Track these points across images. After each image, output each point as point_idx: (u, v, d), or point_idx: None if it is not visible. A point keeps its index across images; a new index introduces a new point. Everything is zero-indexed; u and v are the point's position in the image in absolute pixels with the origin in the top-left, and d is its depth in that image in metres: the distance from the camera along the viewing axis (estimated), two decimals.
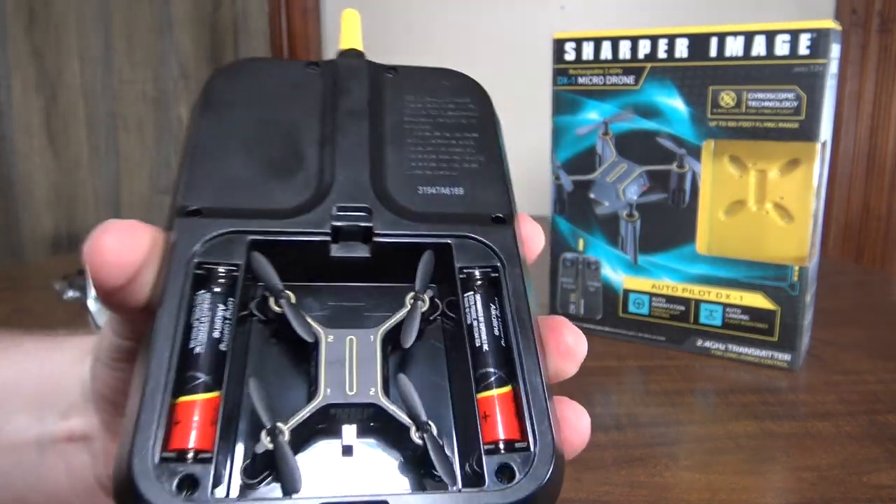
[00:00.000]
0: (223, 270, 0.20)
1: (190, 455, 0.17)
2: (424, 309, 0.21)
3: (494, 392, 0.20)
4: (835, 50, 0.56)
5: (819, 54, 0.54)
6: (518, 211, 0.24)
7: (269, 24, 1.48)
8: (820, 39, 0.54)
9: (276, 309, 0.20)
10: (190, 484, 0.16)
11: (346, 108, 0.25)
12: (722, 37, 0.57)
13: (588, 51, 0.63)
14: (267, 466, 0.18)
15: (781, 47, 0.55)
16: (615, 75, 0.62)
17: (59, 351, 0.32)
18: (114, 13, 1.35)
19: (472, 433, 0.19)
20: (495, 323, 0.21)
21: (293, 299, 0.21)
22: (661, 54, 0.60)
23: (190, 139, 0.23)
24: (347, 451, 0.20)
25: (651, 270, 0.64)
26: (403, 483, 0.19)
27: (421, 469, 0.19)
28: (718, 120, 0.59)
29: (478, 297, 0.22)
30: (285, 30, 1.50)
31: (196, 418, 0.17)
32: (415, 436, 0.19)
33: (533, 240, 0.24)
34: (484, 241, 0.22)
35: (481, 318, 0.21)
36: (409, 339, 0.20)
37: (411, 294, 0.21)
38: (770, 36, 0.56)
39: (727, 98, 0.58)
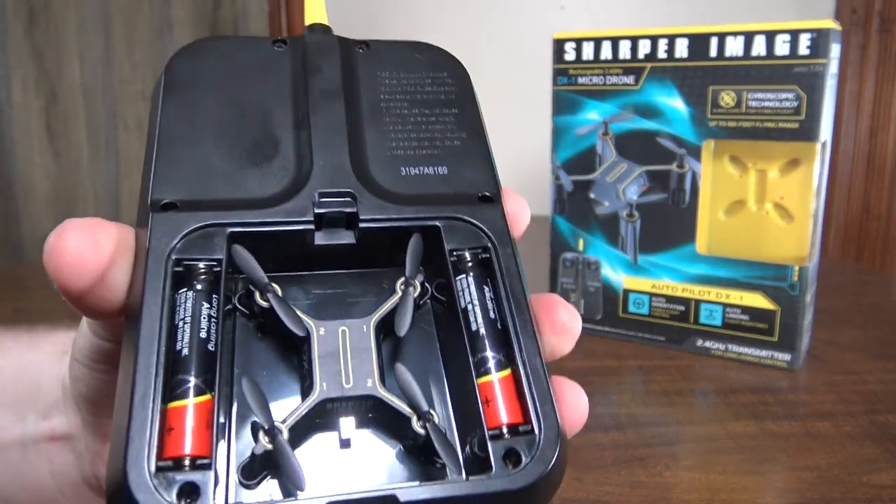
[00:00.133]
0: (204, 266, 0.19)
1: (187, 462, 0.16)
2: (415, 295, 0.21)
3: (494, 376, 0.19)
4: (835, 50, 0.56)
5: (819, 54, 0.54)
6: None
7: (269, 24, 1.48)
8: (820, 39, 0.54)
9: (263, 303, 0.20)
10: (190, 492, 0.16)
11: (320, 87, 0.24)
12: (722, 37, 0.57)
13: (588, 51, 0.63)
14: (265, 466, 0.18)
15: (781, 47, 0.55)
16: (615, 75, 0.62)
17: (37, 349, 0.32)
18: (114, 13, 1.35)
19: (474, 419, 0.19)
20: (490, 305, 0.21)
21: (280, 292, 0.20)
22: (661, 54, 0.60)
23: (156, 128, 0.22)
24: (345, 444, 0.19)
25: (651, 270, 0.64)
26: (405, 474, 0.19)
27: (421, 458, 0.19)
28: (718, 120, 0.59)
29: (470, 279, 0.21)
30: (285, 30, 1.50)
31: (190, 423, 0.17)
32: (417, 425, 0.18)
33: (519, 215, 0.23)
34: (473, 221, 0.22)
35: (476, 301, 0.21)
36: (404, 327, 0.20)
37: (402, 280, 0.21)
38: (770, 36, 0.56)
39: (727, 98, 0.58)
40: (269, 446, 0.17)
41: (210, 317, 0.19)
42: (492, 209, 0.22)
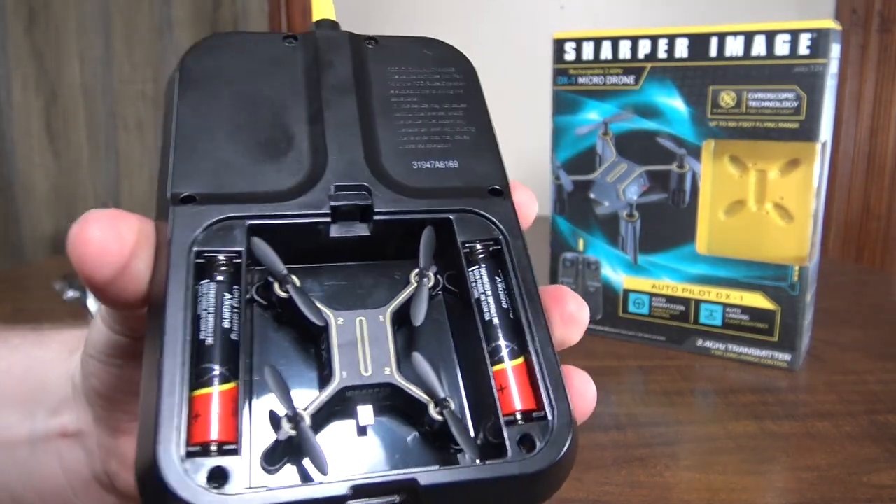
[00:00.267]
0: (224, 258, 0.20)
1: (214, 448, 0.17)
2: (430, 285, 0.21)
3: (508, 364, 0.20)
4: (835, 50, 0.56)
5: (819, 54, 0.54)
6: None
7: (269, 24, 1.48)
8: (820, 39, 0.54)
9: (282, 294, 0.20)
10: (219, 476, 0.16)
11: (332, 82, 0.24)
12: (722, 37, 0.57)
13: (588, 51, 0.63)
14: (286, 453, 0.18)
15: (781, 47, 0.55)
16: (615, 75, 0.62)
17: (46, 347, 0.32)
18: (114, 13, 1.35)
19: (488, 406, 0.19)
20: (502, 296, 0.21)
21: (298, 283, 0.20)
22: (661, 54, 0.60)
23: (172, 123, 0.22)
24: (363, 431, 0.20)
25: (651, 270, 0.64)
26: (421, 460, 0.20)
27: (437, 444, 0.20)
28: (718, 120, 0.59)
29: (483, 270, 0.22)
30: (285, 29, 1.50)
31: (216, 410, 0.17)
32: (434, 412, 0.19)
33: (527, 206, 0.24)
34: (484, 214, 0.22)
35: (488, 292, 0.21)
36: (420, 317, 0.20)
37: (416, 271, 0.21)
38: (770, 36, 0.56)
39: (727, 98, 0.58)
40: (293, 433, 0.18)
41: (232, 307, 0.19)
42: (502, 202, 0.23)
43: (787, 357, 0.59)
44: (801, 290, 0.58)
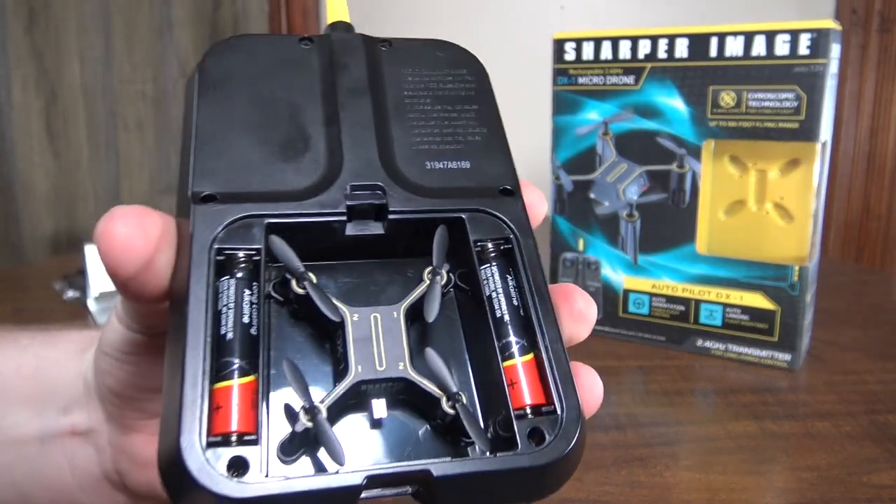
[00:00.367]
0: (244, 255, 0.20)
1: (234, 438, 0.17)
2: (443, 283, 0.22)
3: (518, 360, 0.20)
4: (835, 50, 0.56)
5: (819, 54, 0.54)
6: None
7: (269, 23, 1.48)
8: (820, 39, 0.54)
9: (299, 291, 0.21)
10: (239, 465, 0.17)
11: (347, 84, 0.25)
12: (722, 37, 0.57)
13: (588, 51, 0.63)
14: (303, 444, 0.19)
15: (781, 47, 0.55)
16: (615, 75, 0.62)
17: (55, 346, 0.32)
18: (114, 13, 1.35)
19: (498, 400, 0.20)
20: (513, 293, 0.22)
21: (315, 280, 0.21)
22: (661, 54, 0.60)
23: (192, 124, 0.23)
24: (377, 423, 0.20)
25: (651, 270, 0.64)
26: (433, 452, 0.20)
27: (448, 437, 0.20)
28: (718, 120, 0.59)
29: (494, 268, 0.22)
30: (285, 30, 1.50)
31: (236, 402, 0.18)
32: (446, 406, 0.19)
33: (536, 206, 0.24)
34: (496, 213, 0.23)
35: (500, 290, 0.22)
36: (433, 314, 0.21)
37: (429, 269, 0.22)
38: (770, 36, 0.56)
39: (727, 98, 0.58)
40: (309, 424, 0.18)
41: (251, 303, 0.20)
42: (513, 202, 0.23)
43: (787, 357, 0.59)
44: (801, 290, 0.58)
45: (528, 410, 0.19)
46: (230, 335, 0.19)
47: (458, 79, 0.27)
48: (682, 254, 0.62)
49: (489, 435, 0.20)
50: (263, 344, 0.20)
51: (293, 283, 0.21)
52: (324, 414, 0.18)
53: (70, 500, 0.31)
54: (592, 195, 0.65)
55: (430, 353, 0.20)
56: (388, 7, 1.42)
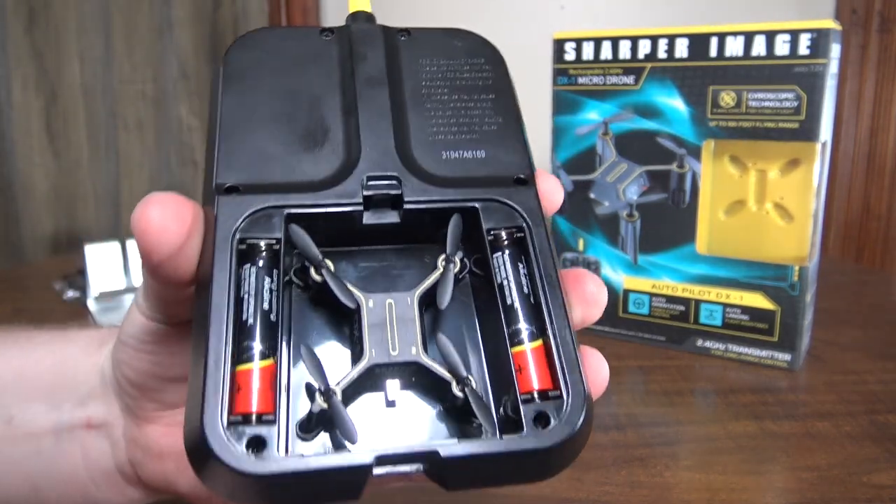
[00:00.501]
0: (264, 244, 0.21)
1: (254, 418, 0.18)
2: (456, 270, 0.23)
3: (527, 346, 0.21)
4: (835, 50, 0.56)
5: (819, 54, 0.54)
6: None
7: (268, 24, 1.48)
8: (820, 39, 0.54)
9: (317, 278, 0.22)
10: (257, 443, 0.18)
11: (366, 75, 0.26)
12: (722, 37, 0.57)
13: (588, 51, 0.63)
14: (319, 423, 0.20)
15: (781, 47, 0.55)
16: (615, 75, 0.62)
17: (72, 342, 0.32)
18: (114, 13, 1.35)
19: (508, 385, 0.21)
20: (524, 281, 0.22)
21: (332, 268, 0.22)
22: (661, 54, 0.60)
23: (217, 117, 0.24)
24: (391, 405, 0.21)
25: (651, 270, 0.64)
26: (444, 433, 0.21)
27: (459, 420, 0.21)
28: (718, 120, 0.59)
29: (506, 257, 0.23)
30: None
31: (256, 384, 0.19)
32: (456, 389, 0.20)
33: (552, 194, 0.25)
34: (509, 202, 0.23)
35: (511, 278, 0.22)
36: (445, 300, 0.22)
37: (443, 256, 0.23)
38: (770, 36, 0.56)
39: (727, 98, 0.58)
40: (325, 405, 0.19)
41: (271, 290, 0.21)
42: (526, 191, 0.24)
43: (787, 357, 0.59)
44: (801, 290, 0.58)
45: (536, 395, 0.20)
46: (251, 321, 0.20)
47: (475, 68, 0.27)
48: (682, 254, 0.62)
49: (499, 417, 0.21)
50: (283, 329, 0.21)
51: (311, 270, 0.22)
52: (338, 396, 0.19)
53: (83, 494, 0.31)
54: (592, 195, 0.65)
55: (442, 339, 0.21)
56: (388, 7, 1.42)
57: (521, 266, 0.22)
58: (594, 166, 0.65)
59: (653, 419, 0.52)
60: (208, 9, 1.43)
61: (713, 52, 0.58)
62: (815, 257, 0.60)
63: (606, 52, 0.63)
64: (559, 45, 0.65)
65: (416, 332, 0.21)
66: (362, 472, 0.18)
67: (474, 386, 0.20)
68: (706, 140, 0.60)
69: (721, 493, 0.42)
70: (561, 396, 0.20)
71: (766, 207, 0.59)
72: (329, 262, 0.22)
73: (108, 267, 0.78)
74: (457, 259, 0.23)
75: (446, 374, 0.21)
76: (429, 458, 0.18)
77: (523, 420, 0.19)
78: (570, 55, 0.64)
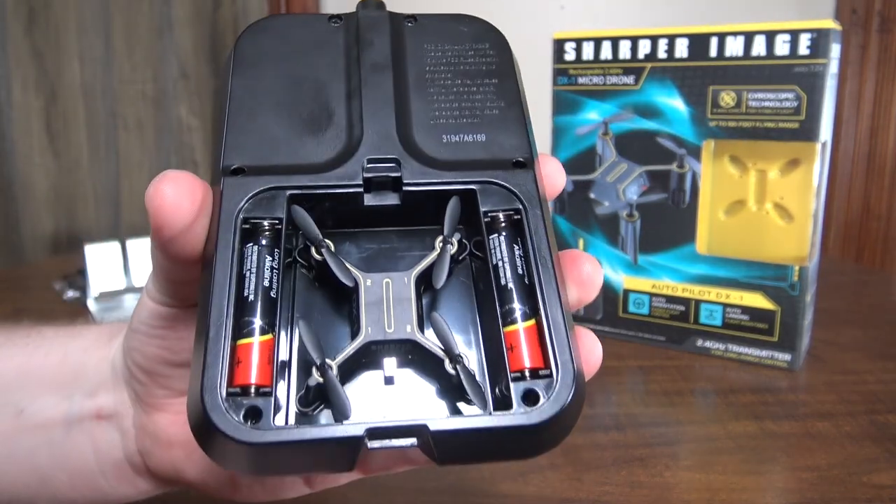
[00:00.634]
0: (267, 224, 0.22)
1: (252, 390, 0.19)
2: (453, 251, 0.23)
3: (520, 325, 0.21)
4: (835, 50, 0.56)
5: (819, 54, 0.54)
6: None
7: None
8: (820, 39, 0.54)
9: (317, 257, 0.22)
10: (254, 414, 0.19)
11: (371, 61, 0.26)
12: (722, 37, 0.57)
13: (588, 51, 0.63)
14: (318, 397, 0.20)
15: (781, 47, 0.55)
16: (615, 75, 0.62)
17: (81, 337, 0.33)
18: (114, 13, 1.35)
19: (500, 363, 0.21)
20: (518, 262, 0.23)
21: (332, 247, 0.22)
22: (661, 54, 0.60)
23: (226, 101, 0.25)
24: (389, 381, 0.22)
25: (651, 270, 0.64)
26: (441, 409, 0.22)
27: (455, 396, 0.21)
28: (718, 120, 0.59)
29: (502, 238, 0.23)
30: None
31: (255, 358, 0.20)
32: (448, 367, 0.21)
33: (554, 177, 0.25)
34: (506, 185, 0.24)
35: (506, 259, 0.23)
36: (440, 280, 0.22)
37: (440, 238, 0.23)
38: (770, 36, 0.56)
39: (727, 98, 0.58)
40: (321, 380, 0.20)
41: (272, 268, 0.21)
42: (524, 174, 0.24)
43: (787, 357, 0.59)
44: (801, 290, 0.58)
45: (527, 373, 0.20)
46: (252, 297, 0.21)
47: (479, 53, 0.28)
48: (682, 254, 0.62)
49: (495, 396, 0.21)
50: (286, 306, 0.21)
51: (312, 250, 0.22)
52: (334, 371, 0.20)
53: (92, 485, 0.32)
54: (592, 195, 0.65)
55: (436, 317, 0.21)
56: (389, 7, 1.42)
57: (516, 247, 0.23)
58: (594, 166, 0.65)
59: (653, 419, 0.52)
60: (208, 9, 1.43)
61: (713, 52, 0.58)
62: (815, 257, 0.60)
63: (606, 52, 0.63)
64: (559, 45, 0.65)
65: (412, 310, 0.22)
66: (354, 443, 0.19)
67: (467, 364, 0.21)
68: (706, 140, 0.60)
69: (721, 493, 0.42)
70: (551, 375, 0.20)
71: (766, 207, 0.59)
72: (329, 242, 0.22)
73: (108, 267, 0.78)
74: (454, 240, 0.23)
75: (440, 352, 0.21)
76: (418, 432, 0.19)
77: (512, 397, 0.20)
78: (570, 55, 0.64)
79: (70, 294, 0.80)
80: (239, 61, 0.26)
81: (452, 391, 0.22)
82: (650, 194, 0.63)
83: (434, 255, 0.23)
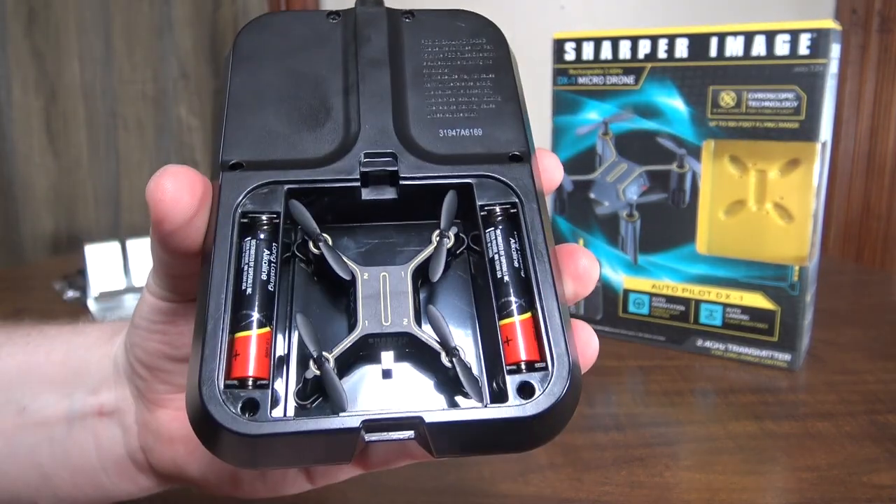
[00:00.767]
0: (265, 218, 0.22)
1: (249, 382, 0.19)
2: (449, 245, 0.23)
3: (515, 319, 0.21)
4: (835, 50, 0.56)
5: (819, 54, 0.54)
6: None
7: None
8: (820, 39, 0.54)
9: (315, 251, 0.22)
10: (251, 406, 0.19)
11: (368, 56, 0.26)
12: (722, 37, 0.57)
13: (588, 51, 0.63)
14: (316, 390, 0.21)
15: (781, 47, 0.55)
16: (615, 75, 0.62)
17: (83, 334, 0.33)
18: (114, 14, 1.35)
19: (496, 356, 0.21)
20: (515, 256, 0.23)
21: (330, 241, 0.22)
22: (661, 54, 0.60)
23: (226, 96, 0.25)
24: (387, 374, 0.22)
25: (651, 270, 0.64)
26: (437, 401, 0.22)
27: (453, 389, 0.22)
28: (718, 120, 0.59)
29: (498, 232, 0.23)
30: None
31: (253, 351, 0.20)
32: (444, 360, 0.21)
33: (551, 171, 0.25)
34: (502, 179, 0.24)
35: (502, 252, 0.23)
36: (437, 274, 0.22)
37: (437, 232, 0.23)
38: (770, 36, 0.56)
39: (727, 98, 0.58)
40: (318, 372, 0.20)
41: (270, 262, 0.22)
42: (521, 168, 0.24)
43: (787, 357, 0.59)
44: (801, 290, 0.58)
45: (522, 366, 0.20)
46: (249, 290, 0.21)
47: (476, 48, 0.28)
48: (682, 254, 0.62)
49: (492, 389, 0.21)
50: (284, 300, 0.22)
51: (310, 244, 0.22)
52: (331, 364, 0.20)
53: (94, 483, 0.32)
54: (592, 195, 0.65)
55: (432, 311, 0.22)
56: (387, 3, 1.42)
57: (512, 241, 0.23)
58: (594, 166, 0.65)
59: (653, 419, 0.52)
60: (208, 9, 1.43)
61: (713, 52, 0.58)
62: (815, 257, 0.60)
63: (606, 52, 0.63)
64: (559, 45, 0.65)
65: (408, 304, 0.22)
66: (350, 435, 0.19)
67: (463, 357, 0.21)
68: (706, 140, 0.60)
69: (721, 493, 0.42)
70: (546, 368, 0.20)
71: (766, 207, 0.59)
72: (327, 236, 0.22)
73: (108, 267, 0.78)
74: (451, 234, 0.23)
75: (436, 345, 0.21)
76: (414, 424, 0.19)
77: (508, 389, 0.20)
78: (570, 55, 0.64)
79: (70, 294, 0.80)
80: (238, 57, 0.26)
81: (450, 384, 0.22)
82: (650, 194, 0.63)
83: (430, 248, 0.23)
